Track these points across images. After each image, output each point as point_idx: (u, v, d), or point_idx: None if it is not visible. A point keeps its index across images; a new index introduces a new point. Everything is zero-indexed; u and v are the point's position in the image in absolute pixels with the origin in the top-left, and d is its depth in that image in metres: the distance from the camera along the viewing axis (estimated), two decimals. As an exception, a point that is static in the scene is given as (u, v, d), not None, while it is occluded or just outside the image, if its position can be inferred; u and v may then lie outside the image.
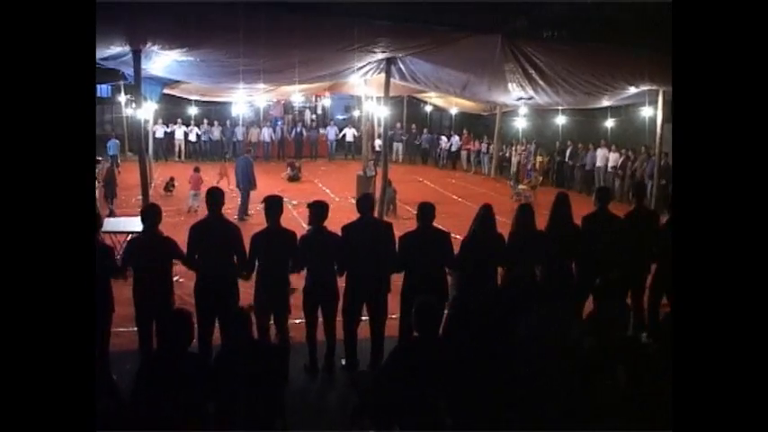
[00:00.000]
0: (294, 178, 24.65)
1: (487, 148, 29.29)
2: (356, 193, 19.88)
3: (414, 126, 34.40)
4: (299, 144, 33.34)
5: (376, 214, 9.08)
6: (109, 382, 5.20)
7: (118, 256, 7.83)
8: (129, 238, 11.42)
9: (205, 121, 31.88)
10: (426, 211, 7.36)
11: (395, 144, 32.07)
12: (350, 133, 33.45)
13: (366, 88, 20.95)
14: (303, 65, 13.58)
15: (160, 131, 29.88)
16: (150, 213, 7.20)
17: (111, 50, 11.88)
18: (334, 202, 19.67)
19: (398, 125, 32.77)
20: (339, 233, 7.40)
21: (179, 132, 30.81)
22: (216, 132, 31.94)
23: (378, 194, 15.07)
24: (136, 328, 7.24)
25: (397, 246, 7.39)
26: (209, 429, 5.08)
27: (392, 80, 14.50)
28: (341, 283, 7.51)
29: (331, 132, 34.16)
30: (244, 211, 16.82)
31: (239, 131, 31.74)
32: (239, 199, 16.98)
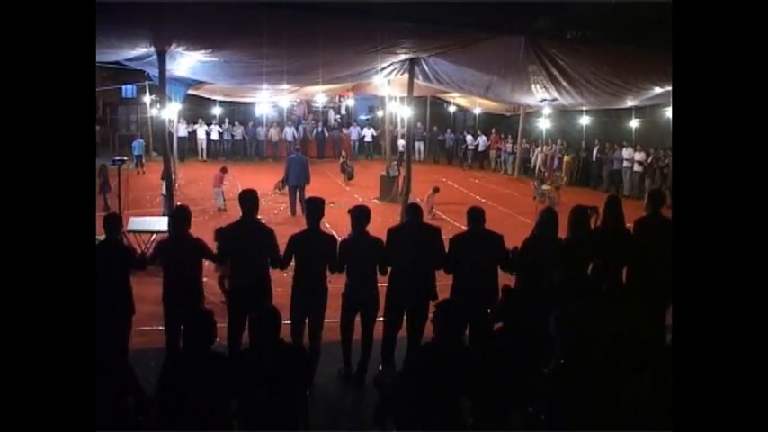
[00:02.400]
0: (350, 176, 24.41)
1: (512, 148, 29.21)
2: (379, 193, 19.91)
3: (436, 127, 34.37)
4: (321, 144, 33.39)
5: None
6: (131, 379, 5.22)
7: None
8: (153, 238, 11.52)
9: (227, 120, 32.07)
10: (476, 214, 7.34)
11: (416, 143, 32.08)
12: (368, 133, 33.53)
13: (389, 89, 20.94)
14: (326, 66, 13.59)
15: (182, 130, 30.00)
16: (181, 216, 7.23)
17: (136, 52, 11.96)
18: (357, 201, 19.74)
19: (419, 124, 32.73)
20: (376, 236, 7.38)
21: (201, 131, 31.03)
22: (238, 132, 32.18)
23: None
24: (164, 328, 7.30)
25: (447, 248, 7.38)
26: (232, 428, 5.11)
27: (415, 81, 14.47)
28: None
29: (353, 132, 34.28)
30: (294, 205, 17.66)
31: (262, 131, 31.89)
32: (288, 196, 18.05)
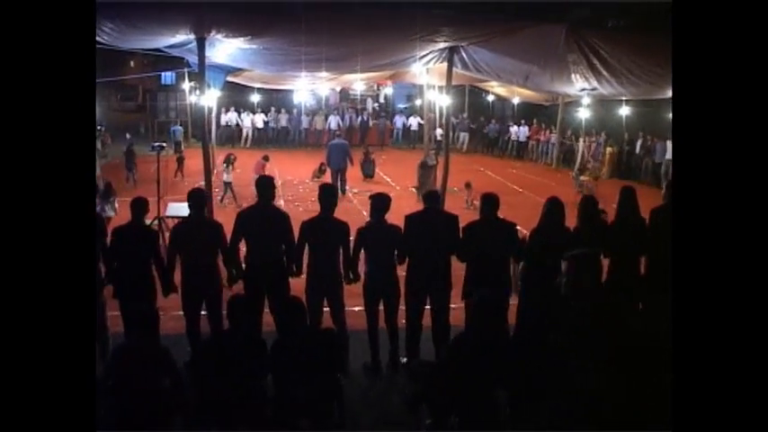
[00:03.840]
0: (369, 175, 22.88)
1: (552, 139, 28.95)
2: (417, 182, 19.89)
3: (482, 117, 34.26)
4: (364, 132, 33.55)
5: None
6: (167, 362, 5.29)
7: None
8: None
9: (272, 108, 32.35)
10: (490, 202, 7.32)
11: (461, 134, 32.06)
12: (415, 122, 33.56)
13: (428, 77, 20.85)
14: (365, 54, 13.58)
15: (230, 118, 30.78)
16: (196, 197, 7.34)
17: (176, 38, 12.05)
18: (395, 190, 19.74)
19: (464, 115, 32.72)
20: (399, 223, 7.38)
21: (246, 119, 31.44)
22: (283, 120, 32.53)
23: (438, 184, 15.04)
24: (182, 311, 7.38)
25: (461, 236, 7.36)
26: (266, 413, 5.15)
27: (454, 69, 14.39)
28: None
29: (398, 121, 34.37)
30: (341, 187, 17.80)
31: (305, 119, 32.16)
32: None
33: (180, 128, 28.31)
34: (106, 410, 5.29)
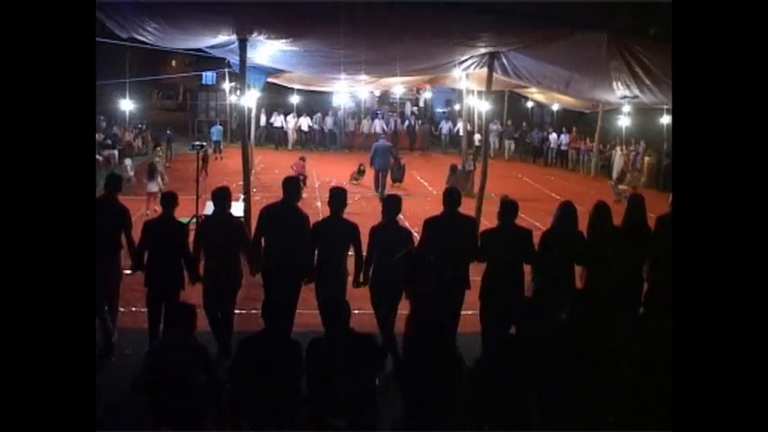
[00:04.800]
0: (397, 180, 22.17)
1: (590, 147, 28.67)
2: (446, 185, 19.87)
3: (525, 123, 34.12)
4: (413, 136, 33.91)
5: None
6: (203, 358, 5.35)
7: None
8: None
9: (318, 111, 32.72)
10: (508, 208, 7.35)
11: (506, 141, 32.00)
12: (461, 127, 33.66)
13: (467, 82, 20.81)
14: (405, 57, 13.60)
15: (278, 120, 31.26)
16: (221, 195, 7.57)
17: (218, 39, 12.16)
18: (431, 195, 19.73)
19: (509, 122, 32.67)
20: (405, 227, 7.63)
21: (291, 122, 31.86)
22: (329, 122, 32.77)
23: (476, 190, 14.97)
24: (202, 303, 7.49)
25: (478, 242, 7.42)
26: (301, 414, 5.17)
27: (494, 75, 14.33)
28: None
29: (445, 126, 34.51)
30: (381, 188, 19.26)
31: (351, 123, 32.69)
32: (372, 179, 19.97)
33: (219, 127, 28.55)
34: (142, 407, 5.38)
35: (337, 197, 7.50)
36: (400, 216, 7.82)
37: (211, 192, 7.68)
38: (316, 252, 7.43)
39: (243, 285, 7.78)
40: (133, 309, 8.74)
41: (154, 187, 15.46)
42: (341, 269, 7.45)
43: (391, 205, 7.53)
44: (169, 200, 7.54)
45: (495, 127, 32.16)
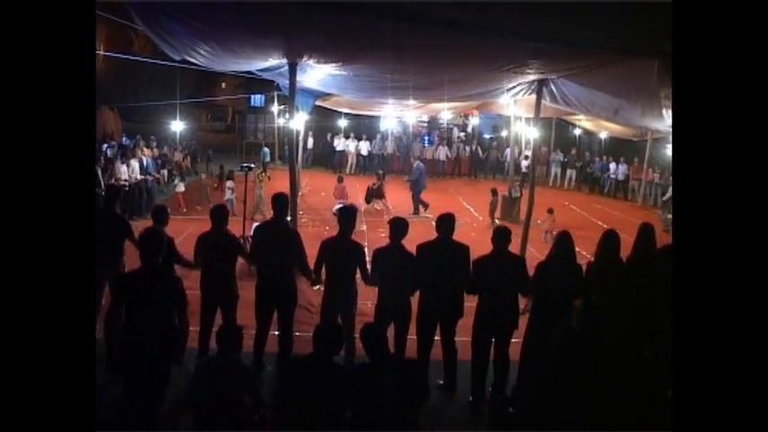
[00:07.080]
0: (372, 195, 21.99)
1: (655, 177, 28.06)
2: (499, 213, 19.73)
3: (587, 153, 33.84)
4: (478, 163, 34.19)
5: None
6: (248, 379, 5.41)
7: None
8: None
9: (379, 135, 33.24)
10: (501, 235, 7.34)
11: (568, 171, 31.89)
12: (509, 154, 33.65)
13: (515, 108, 20.76)
14: (453, 83, 13.61)
15: (340, 144, 32.15)
16: (218, 213, 7.90)
17: (268, 62, 12.28)
18: (477, 221, 19.66)
19: (573, 150, 32.48)
20: (411, 252, 7.54)
21: (351, 145, 32.16)
22: (389, 147, 33.04)
23: (522, 216, 14.90)
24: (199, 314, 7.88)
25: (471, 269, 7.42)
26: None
27: (542, 101, 14.28)
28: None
29: (508, 154, 34.48)
30: (416, 208, 20.71)
31: (416, 147, 33.03)
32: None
33: (267, 149, 28.85)
34: (188, 423, 5.42)
35: (347, 217, 7.65)
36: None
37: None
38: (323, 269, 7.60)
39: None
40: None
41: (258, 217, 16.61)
42: (351, 288, 7.61)
43: (398, 228, 7.53)
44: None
45: (557, 157, 32.18)
